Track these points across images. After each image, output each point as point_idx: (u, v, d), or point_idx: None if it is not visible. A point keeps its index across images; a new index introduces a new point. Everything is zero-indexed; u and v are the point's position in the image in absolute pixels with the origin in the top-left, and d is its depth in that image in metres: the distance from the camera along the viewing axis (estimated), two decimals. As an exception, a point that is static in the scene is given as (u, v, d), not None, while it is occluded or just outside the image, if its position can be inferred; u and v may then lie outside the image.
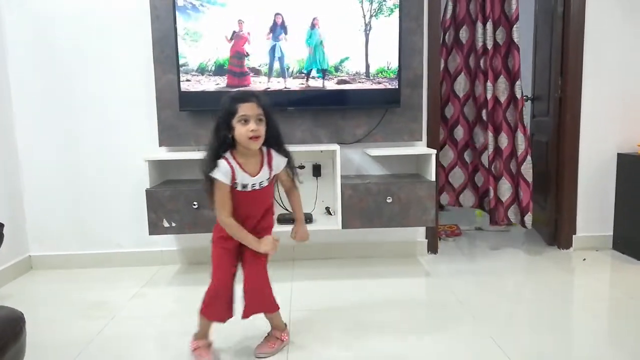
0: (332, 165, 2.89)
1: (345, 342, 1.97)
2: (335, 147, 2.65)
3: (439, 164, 3.16)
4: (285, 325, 1.94)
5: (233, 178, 1.69)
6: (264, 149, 1.76)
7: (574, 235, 3.15)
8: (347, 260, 3.00)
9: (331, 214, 2.89)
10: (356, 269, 2.85)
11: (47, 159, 2.90)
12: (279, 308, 1.86)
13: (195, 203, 2.52)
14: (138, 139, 2.86)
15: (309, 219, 2.69)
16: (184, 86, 2.68)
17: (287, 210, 2.91)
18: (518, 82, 3.01)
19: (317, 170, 2.93)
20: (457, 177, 3.30)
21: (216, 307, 1.76)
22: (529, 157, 3.04)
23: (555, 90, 3.13)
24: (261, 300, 1.80)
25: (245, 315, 1.78)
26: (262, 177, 1.74)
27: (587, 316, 2.21)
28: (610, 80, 3.03)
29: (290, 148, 2.66)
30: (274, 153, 1.77)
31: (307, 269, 2.87)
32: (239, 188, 1.71)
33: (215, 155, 1.69)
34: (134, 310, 2.33)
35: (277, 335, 1.89)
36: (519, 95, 3.02)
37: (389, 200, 2.61)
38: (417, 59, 2.88)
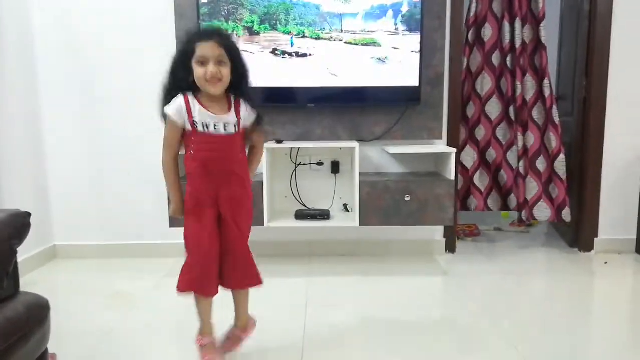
0: (350, 163, 2.89)
1: (360, 340, 1.98)
2: (355, 144, 2.65)
3: (461, 166, 3.15)
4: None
5: (189, 115, 1.53)
6: (232, 97, 1.60)
7: (595, 238, 3.09)
8: (364, 257, 3.01)
9: (349, 211, 2.89)
10: (373, 266, 2.86)
11: (72, 151, 2.97)
12: (262, 282, 1.74)
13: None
14: (161, 134, 2.91)
15: (326, 215, 2.71)
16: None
17: (304, 205, 2.93)
18: (546, 81, 2.98)
19: (335, 167, 2.94)
20: (483, 179, 3.25)
21: (199, 278, 1.60)
22: (562, 155, 3.02)
23: (580, 91, 3.07)
24: (250, 272, 1.71)
25: (232, 287, 1.72)
26: (229, 120, 1.56)
27: (606, 320, 2.18)
28: (637, 81, 2.96)
29: (310, 145, 2.73)
30: (242, 102, 1.61)
31: (324, 265, 2.88)
32: (200, 128, 1.54)
33: (168, 96, 1.56)
34: (154, 301, 2.38)
35: (238, 333, 1.79)
36: (547, 94, 2.99)
37: (407, 199, 2.61)
38: (439, 57, 2.86)
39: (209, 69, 1.48)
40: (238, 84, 1.57)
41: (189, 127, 1.55)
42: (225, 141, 1.57)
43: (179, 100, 1.54)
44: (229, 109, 1.58)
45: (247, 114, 1.62)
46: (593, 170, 3.04)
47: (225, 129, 1.56)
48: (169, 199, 1.72)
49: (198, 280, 1.62)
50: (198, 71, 1.49)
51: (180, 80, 1.54)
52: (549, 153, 3.06)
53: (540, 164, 3.08)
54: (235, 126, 1.58)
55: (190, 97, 1.55)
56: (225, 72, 1.51)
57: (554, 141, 3.02)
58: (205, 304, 1.68)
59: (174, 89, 1.56)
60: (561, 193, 3.04)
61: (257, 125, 1.66)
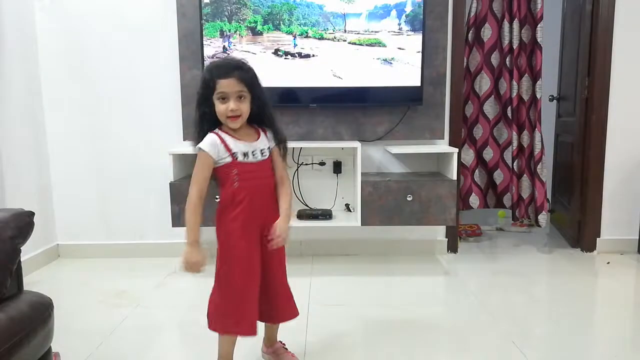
0: (352, 162, 2.90)
1: (362, 339, 1.99)
2: (357, 144, 2.66)
3: (462, 165, 3.15)
4: None
5: (227, 149, 1.52)
6: (255, 125, 1.61)
7: (597, 238, 3.09)
8: (366, 257, 3.01)
9: (351, 211, 2.89)
10: (375, 266, 2.86)
11: (75, 151, 2.98)
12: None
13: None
14: (163, 133, 2.92)
15: (328, 215, 2.71)
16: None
17: (307, 205, 2.93)
18: (539, 82, 2.99)
19: (337, 167, 2.94)
20: (481, 177, 3.27)
21: (245, 317, 1.54)
22: (544, 157, 3.05)
23: (582, 91, 3.07)
24: (292, 305, 1.69)
25: (279, 321, 1.71)
26: (263, 145, 1.58)
27: (608, 320, 2.18)
28: (639, 81, 2.96)
29: (312, 144, 2.73)
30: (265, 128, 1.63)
31: (326, 265, 2.88)
32: (241, 158, 1.53)
33: (199, 130, 1.56)
34: (157, 300, 2.39)
35: (282, 344, 1.80)
36: (539, 95, 3.01)
37: (409, 198, 2.61)
38: (441, 57, 2.86)
39: (229, 106, 1.48)
40: (258, 114, 1.57)
41: (228, 159, 1.53)
42: (263, 167, 1.58)
43: (212, 136, 1.53)
44: (258, 135, 1.59)
45: (270, 137, 1.61)
46: (595, 170, 3.04)
47: (262, 155, 1.57)
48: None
49: (240, 320, 1.55)
50: (219, 107, 1.49)
51: (205, 114, 1.54)
52: (533, 154, 3.08)
53: (532, 164, 3.12)
54: (268, 150, 1.59)
55: (221, 133, 1.54)
56: (245, 107, 1.51)
57: (538, 142, 3.04)
58: (233, 342, 1.63)
59: (202, 122, 1.56)
60: (540, 196, 3.05)
61: (280, 149, 1.63)
